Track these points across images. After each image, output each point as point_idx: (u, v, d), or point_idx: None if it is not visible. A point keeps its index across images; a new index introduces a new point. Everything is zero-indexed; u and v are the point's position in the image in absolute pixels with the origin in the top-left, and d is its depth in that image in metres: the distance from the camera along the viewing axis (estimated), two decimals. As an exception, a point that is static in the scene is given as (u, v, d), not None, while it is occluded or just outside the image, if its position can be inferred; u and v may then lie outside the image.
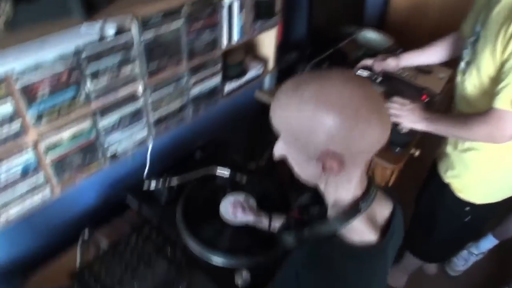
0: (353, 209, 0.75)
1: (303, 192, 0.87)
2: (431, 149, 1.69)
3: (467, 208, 1.53)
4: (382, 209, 0.83)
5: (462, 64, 1.36)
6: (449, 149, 1.51)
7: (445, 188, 1.56)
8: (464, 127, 1.28)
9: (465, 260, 2.25)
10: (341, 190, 0.76)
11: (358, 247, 0.76)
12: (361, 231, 0.77)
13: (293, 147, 0.74)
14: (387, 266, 0.84)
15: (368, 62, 1.79)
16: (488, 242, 2.20)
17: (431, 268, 2.26)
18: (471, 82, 1.30)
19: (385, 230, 0.81)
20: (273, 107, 0.74)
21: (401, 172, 2.48)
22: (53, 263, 1.28)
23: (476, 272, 2.29)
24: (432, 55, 1.64)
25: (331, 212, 0.79)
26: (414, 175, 1.88)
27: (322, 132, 0.67)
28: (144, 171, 1.40)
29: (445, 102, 1.52)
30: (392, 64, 1.73)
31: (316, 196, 0.82)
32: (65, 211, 1.40)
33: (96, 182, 1.44)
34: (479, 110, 1.24)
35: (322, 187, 0.80)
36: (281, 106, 0.71)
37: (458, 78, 1.39)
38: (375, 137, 0.68)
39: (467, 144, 1.41)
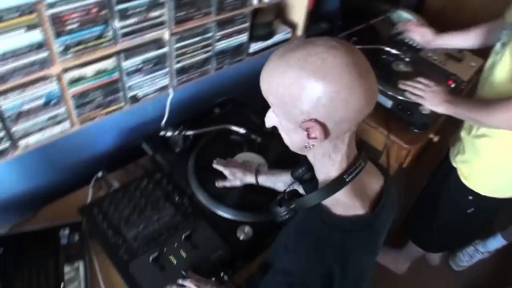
0: (337, 181, 0.75)
1: (301, 165, 0.88)
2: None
3: (470, 197, 1.51)
4: (372, 183, 0.83)
5: (498, 45, 1.32)
6: (463, 133, 1.49)
7: (452, 173, 1.54)
8: (484, 111, 1.26)
9: (470, 256, 2.24)
10: (327, 162, 0.76)
11: (344, 219, 0.77)
12: (347, 205, 0.77)
13: (281, 114, 0.74)
14: (376, 241, 0.84)
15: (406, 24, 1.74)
16: (496, 242, 2.17)
17: (435, 259, 2.25)
18: (502, 64, 1.26)
19: (376, 204, 0.81)
20: (262, 73, 0.73)
21: (419, 158, 2.47)
22: (64, 199, 1.34)
23: (480, 270, 2.28)
24: (469, 39, 1.60)
25: (320, 184, 0.80)
26: (431, 164, 1.85)
27: (305, 99, 0.67)
28: (161, 122, 1.43)
29: (473, 93, 1.49)
30: (428, 36, 1.69)
31: (310, 168, 0.83)
32: (82, 151, 1.44)
33: (114, 127, 1.47)
34: (502, 96, 1.21)
35: (310, 158, 0.80)
36: (269, 72, 0.71)
37: (490, 60, 1.36)
38: (358, 106, 0.67)
39: (482, 130, 1.39)
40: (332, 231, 0.76)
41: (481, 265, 2.26)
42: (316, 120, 0.68)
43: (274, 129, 0.82)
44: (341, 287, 0.80)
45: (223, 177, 1.28)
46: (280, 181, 1.18)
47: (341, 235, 0.76)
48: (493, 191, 1.47)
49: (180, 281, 1.06)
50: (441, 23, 2.11)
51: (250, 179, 1.24)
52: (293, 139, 0.77)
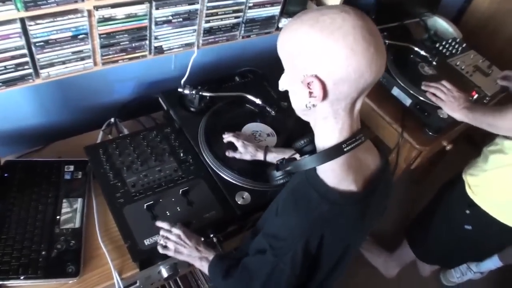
0: (335, 149, 0.76)
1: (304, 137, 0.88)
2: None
3: (467, 211, 1.51)
4: (369, 162, 0.84)
5: None
6: (484, 149, 1.50)
7: (459, 183, 1.56)
8: (497, 114, 1.28)
9: (461, 273, 2.21)
10: (327, 127, 0.78)
11: (336, 191, 0.78)
12: (340, 177, 0.78)
13: (289, 70, 0.78)
14: (363, 220, 0.85)
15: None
16: (491, 263, 2.14)
17: (426, 270, 2.24)
18: None
19: (369, 183, 0.82)
20: (280, 32, 0.77)
21: (429, 168, 2.45)
22: (74, 138, 1.37)
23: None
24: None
25: (318, 151, 0.81)
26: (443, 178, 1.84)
27: (309, 53, 0.70)
28: (181, 82, 1.44)
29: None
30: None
31: (312, 141, 0.84)
32: (99, 95, 1.46)
33: (134, 77, 1.49)
34: None
35: (312, 123, 0.81)
36: (285, 29, 0.75)
37: None
38: (358, 68, 0.69)
39: (499, 146, 1.39)
40: (322, 200, 0.78)
41: (472, 286, 2.24)
42: (316, 76, 0.71)
43: (289, 106, 0.84)
44: (321, 258, 0.82)
45: (233, 148, 1.29)
46: None
47: (330, 207, 0.77)
48: (494, 209, 1.46)
49: (166, 226, 1.07)
50: (476, 39, 2.10)
51: (260, 155, 1.25)
52: (296, 98, 0.79)
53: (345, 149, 0.76)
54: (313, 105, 0.76)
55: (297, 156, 0.93)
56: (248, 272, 0.89)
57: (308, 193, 0.80)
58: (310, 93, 0.73)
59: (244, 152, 1.27)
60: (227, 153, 1.28)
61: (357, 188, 0.79)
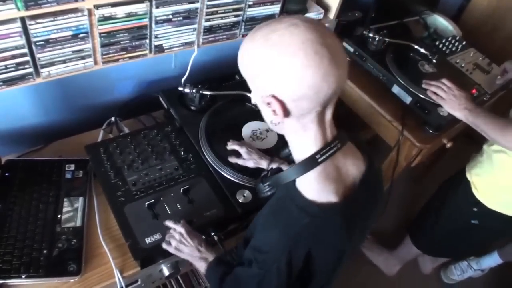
0: (309, 161, 0.76)
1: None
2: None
3: (475, 209, 1.53)
4: (350, 167, 0.82)
5: None
6: (485, 146, 1.51)
7: (463, 182, 1.57)
8: (498, 130, 1.29)
9: (462, 271, 2.22)
10: (299, 141, 0.78)
11: (314, 204, 0.77)
12: (318, 188, 0.78)
13: (253, 91, 0.78)
14: (349, 228, 0.82)
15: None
16: (491, 260, 2.15)
17: (427, 267, 2.25)
18: None
19: (351, 190, 0.81)
20: (238, 53, 0.75)
21: (430, 166, 2.46)
22: (75, 137, 1.37)
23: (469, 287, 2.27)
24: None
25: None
26: (443, 176, 1.85)
27: (263, 74, 0.70)
28: (181, 81, 1.44)
29: (498, 109, 1.48)
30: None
31: None
32: (100, 94, 1.47)
33: (135, 76, 1.49)
34: None
35: (286, 137, 0.82)
36: (241, 50, 0.74)
37: None
38: (314, 84, 0.68)
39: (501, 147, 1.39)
40: (301, 214, 0.77)
41: (472, 283, 2.25)
42: (274, 96, 0.70)
43: None
44: (314, 268, 0.82)
45: (236, 155, 1.28)
46: None
47: (310, 219, 0.77)
48: (502, 206, 1.48)
49: (171, 224, 1.08)
50: (476, 37, 2.10)
51: (264, 163, 1.25)
52: (264, 115, 0.79)
53: (319, 160, 0.76)
54: (279, 122, 0.76)
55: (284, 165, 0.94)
56: (239, 282, 0.90)
57: (288, 207, 0.80)
58: (274, 111, 0.72)
59: (248, 158, 1.26)
60: (230, 159, 1.27)
61: (337, 198, 0.78)
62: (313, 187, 0.78)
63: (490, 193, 1.49)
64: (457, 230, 1.70)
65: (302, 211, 0.77)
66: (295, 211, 0.78)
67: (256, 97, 0.78)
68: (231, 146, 1.29)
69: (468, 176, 1.57)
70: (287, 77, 0.68)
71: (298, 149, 0.79)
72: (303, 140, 0.77)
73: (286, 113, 0.72)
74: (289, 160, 1.08)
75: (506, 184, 1.44)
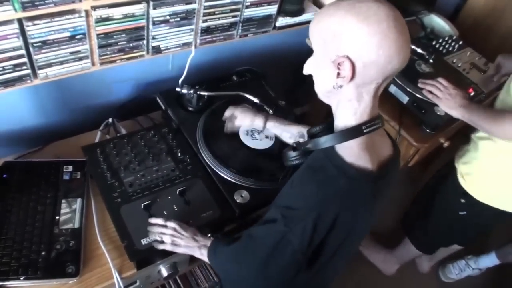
0: (356, 129, 0.80)
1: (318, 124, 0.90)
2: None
3: (463, 201, 1.54)
4: (383, 147, 0.88)
5: None
6: (472, 134, 1.52)
7: (452, 172, 1.58)
8: (493, 123, 1.29)
9: (460, 269, 2.23)
10: (350, 109, 0.81)
11: (353, 167, 0.81)
12: (358, 155, 0.81)
13: (319, 52, 0.81)
14: (375, 200, 0.87)
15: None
16: (489, 260, 2.16)
17: (425, 267, 2.25)
18: None
19: (383, 167, 0.86)
20: (314, 17, 0.81)
21: (427, 165, 2.46)
22: (72, 138, 1.37)
23: (467, 286, 2.27)
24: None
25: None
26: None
27: (343, 35, 0.74)
28: (179, 82, 1.44)
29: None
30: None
31: (328, 127, 0.87)
32: (97, 95, 1.46)
33: (132, 77, 1.49)
34: None
35: (334, 105, 0.85)
36: (320, 14, 0.79)
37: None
38: (389, 53, 0.73)
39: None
40: (339, 174, 0.80)
41: (470, 282, 2.25)
42: (347, 57, 0.75)
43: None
44: (330, 233, 0.82)
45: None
46: (287, 131, 1.23)
47: (347, 181, 0.80)
48: (488, 197, 1.48)
49: (161, 221, 1.07)
50: (473, 37, 2.11)
51: (259, 121, 1.27)
52: (323, 79, 0.82)
53: (364, 131, 0.80)
54: (340, 87, 0.80)
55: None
56: (254, 240, 0.90)
57: (326, 167, 0.82)
58: (338, 74, 0.77)
59: (242, 117, 1.28)
60: (225, 129, 1.31)
61: (372, 167, 0.82)
62: (353, 152, 0.81)
63: (476, 181, 1.50)
64: (447, 223, 1.72)
65: (340, 171, 0.80)
66: (333, 170, 0.81)
67: (322, 60, 0.80)
68: (227, 112, 1.32)
69: (455, 164, 1.58)
70: (366, 41, 0.72)
71: (345, 117, 0.82)
72: (353, 110, 0.81)
73: (353, 76, 0.76)
74: (301, 134, 1.16)
75: (492, 170, 1.44)
